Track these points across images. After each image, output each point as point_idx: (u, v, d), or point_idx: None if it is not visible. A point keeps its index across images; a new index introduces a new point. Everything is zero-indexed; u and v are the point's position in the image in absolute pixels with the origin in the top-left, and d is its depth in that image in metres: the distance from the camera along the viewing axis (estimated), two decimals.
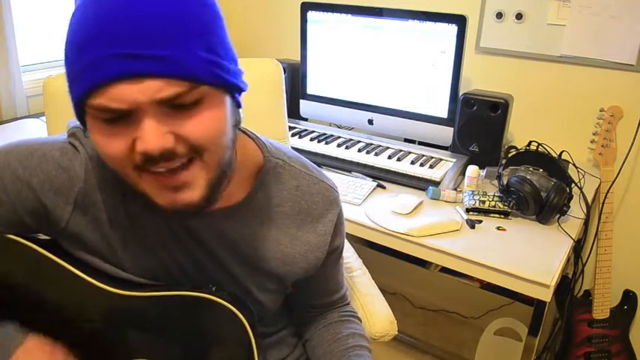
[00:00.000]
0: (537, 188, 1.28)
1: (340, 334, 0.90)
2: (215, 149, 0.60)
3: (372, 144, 1.67)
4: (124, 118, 0.56)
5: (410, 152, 1.61)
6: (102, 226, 0.69)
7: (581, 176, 1.52)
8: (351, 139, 1.70)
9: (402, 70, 1.59)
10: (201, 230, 0.72)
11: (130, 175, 0.60)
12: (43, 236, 0.72)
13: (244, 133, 0.77)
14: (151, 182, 0.60)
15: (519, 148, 1.54)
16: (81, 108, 0.58)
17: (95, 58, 0.53)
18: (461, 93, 1.54)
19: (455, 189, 1.47)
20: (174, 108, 0.56)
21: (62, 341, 0.71)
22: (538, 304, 1.20)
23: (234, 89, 0.61)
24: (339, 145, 1.65)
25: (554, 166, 1.42)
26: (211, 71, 0.57)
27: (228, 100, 0.61)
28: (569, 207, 1.29)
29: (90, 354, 0.72)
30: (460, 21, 1.45)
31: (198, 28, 0.56)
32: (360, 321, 0.97)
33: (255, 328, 0.73)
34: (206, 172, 0.61)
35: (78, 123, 0.71)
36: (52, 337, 0.71)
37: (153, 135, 0.55)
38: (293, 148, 1.59)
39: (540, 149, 1.49)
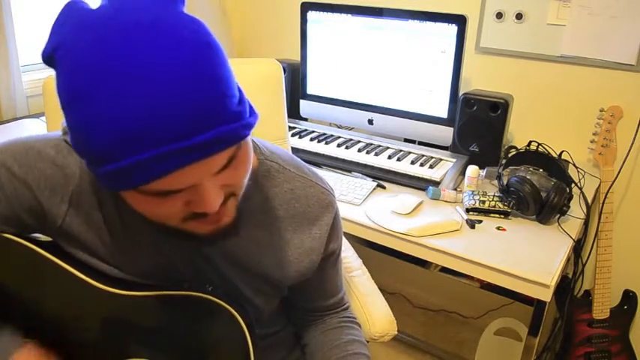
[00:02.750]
0: (537, 188, 1.28)
1: (339, 341, 0.89)
2: (245, 183, 0.64)
3: (372, 144, 1.67)
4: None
5: (410, 152, 1.61)
6: (97, 226, 0.70)
7: (581, 176, 1.52)
8: (351, 139, 1.70)
9: (402, 70, 1.59)
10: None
11: (172, 223, 0.62)
12: (43, 238, 0.72)
13: None
14: (195, 224, 0.62)
15: (519, 148, 1.54)
16: (125, 187, 0.54)
17: (149, 157, 0.50)
18: (461, 93, 1.53)
19: (455, 189, 1.47)
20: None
21: (60, 340, 0.71)
22: (538, 304, 1.20)
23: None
24: (339, 145, 1.65)
25: (554, 166, 1.42)
26: (247, 123, 0.56)
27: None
28: (569, 207, 1.29)
29: (87, 353, 0.72)
30: (460, 21, 1.45)
31: (225, 85, 0.53)
32: (360, 327, 0.96)
33: (252, 327, 0.74)
34: (235, 201, 0.65)
35: None
36: (50, 336, 0.71)
37: (212, 198, 0.57)
38: (293, 148, 1.60)
39: (540, 149, 1.49)
